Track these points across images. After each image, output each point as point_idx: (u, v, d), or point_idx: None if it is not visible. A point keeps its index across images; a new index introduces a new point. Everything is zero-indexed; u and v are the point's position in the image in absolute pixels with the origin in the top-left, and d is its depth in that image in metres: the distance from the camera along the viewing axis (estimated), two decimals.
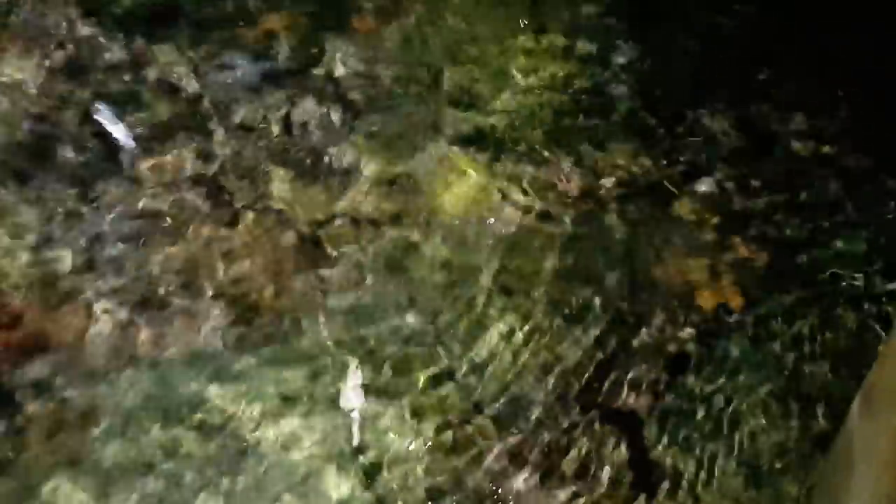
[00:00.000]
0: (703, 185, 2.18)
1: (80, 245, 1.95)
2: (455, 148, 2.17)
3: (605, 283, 1.97)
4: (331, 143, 2.15)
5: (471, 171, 2.13)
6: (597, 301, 1.92)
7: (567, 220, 2.07)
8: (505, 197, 2.11)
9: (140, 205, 2.02)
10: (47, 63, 2.14)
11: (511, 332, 1.85)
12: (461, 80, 2.29)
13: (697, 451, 1.70)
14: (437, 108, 2.23)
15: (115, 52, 2.17)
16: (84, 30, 2.17)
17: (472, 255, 1.99)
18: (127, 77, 2.16)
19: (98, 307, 1.89)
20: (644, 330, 1.87)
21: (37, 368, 1.78)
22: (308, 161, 2.13)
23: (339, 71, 2.28)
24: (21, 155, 2.01)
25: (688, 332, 1.88)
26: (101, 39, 2.18)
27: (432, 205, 2.08)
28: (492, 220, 2.04)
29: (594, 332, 1.86)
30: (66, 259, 1.94)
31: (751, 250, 2.04)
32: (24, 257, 1.89)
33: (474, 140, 2.19)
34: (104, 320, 1.88)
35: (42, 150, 2.03)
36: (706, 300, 1.95)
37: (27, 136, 2.05)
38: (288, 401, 1.73)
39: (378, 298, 1.92)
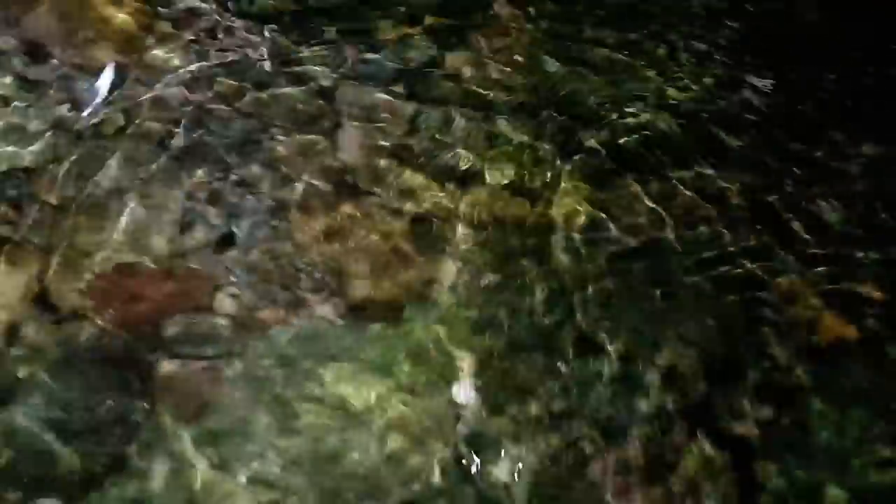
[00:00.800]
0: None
1: (218, 221, 2.11)
2: (577, 158, 2.23)
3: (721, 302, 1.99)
4: (457, 143, 2.24)
5: (586, 185, 2.19)
6: (712, 322, 1.95)
7: (677, 240, 2.10)
8: (615, 214, 2.16)
9: (274, 187, 2.17)
10: (195, 51, 2.30)
11: (622, 346, 1.90)
12: (582, 95, 2.34)
13: (806, 482, 1.70)
14: (560, 122, 2.28)
15: (265, 47, 2.32)
16: (242, 26, 2.32)
17: (586, 266, 2.05)
18: (269, 68, 2.30)
19: (228, 280, 2.05)
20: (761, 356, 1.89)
21: (170, 332, 1.94)
22: (432, 159, 2.23)
23: (468, 73, 2.37)
24: (177, 136, 2.17)
25: (804, 361, 1.89)
26: (254, 35, 2.32)
27: (552, 213, 2.14)
28: (608, 234, 2.10)
29: (709, 353, 1.89)
30: (202, 235, 2.10)
31: (870, 284, 2.02)
32: (168, 229, 2.06)
33: (593, 153, 2.24)
34: (233, 292, 2.03)
35: (193, 131, 2.19)
36: (825, 330, 1.95)
37: (178, 117, 2.21)
38: (399, 386, 1.83)
39: (493, 298, 2.00)
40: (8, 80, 2.13)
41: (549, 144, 2.27)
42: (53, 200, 2.06)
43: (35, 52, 2.22)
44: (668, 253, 2.09)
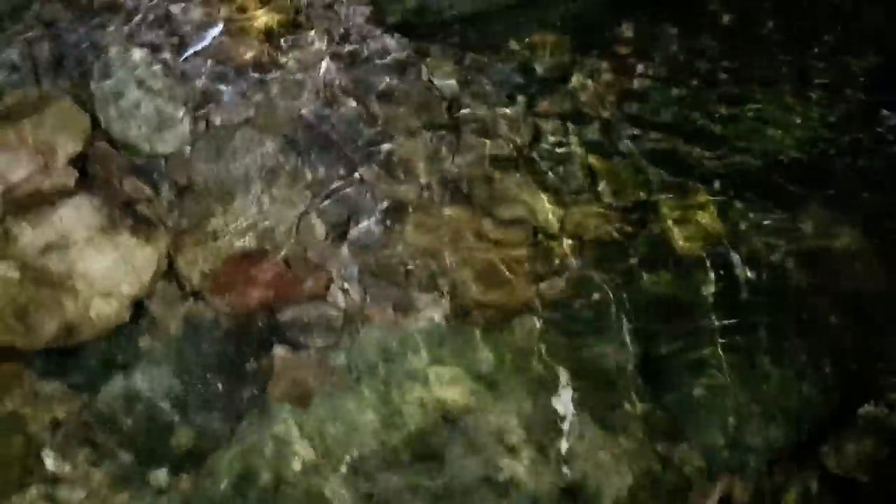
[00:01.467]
0: None
1: (336, 217, 2.18)
2: (696, 182, 2.20)
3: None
4: (573, 159, 2.24)
5: (708, 209, 2.15)
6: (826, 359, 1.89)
7: (795, 272, 2.05)
8: (732, 242, 2.12)
9: (392, 188, 2.22)
10: (331, 52, 2.39)
11: (728, 372, 1.86)
12: (704, 120, 2.31)
13: None
14: (679, 145, 2.26)
15: (397, 52, 2.38)
16: (377, 31, 2.40)
17: (697, 291, 2.01)
18: (397, 75, 2.36)
19: (341, 271, 2.11)
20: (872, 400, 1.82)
21: (284, 318, 2.02)
22: (547, 172, 2.24)
23: (589, 90, 2.37)
24: (308, 129, 2.26)
25: None
26: (387, 40, 2.40)
27: (664, 233, 2.12)
28: (723, 261, 2.06)
29: (821, 390, 1.83)
30: (321, 229, 2.17)
31: None
32: (290, 221, 2.14)
33: (713, 179, 2.21)
34: (345, 286, 2.09)
35: (320, 128, 2.28)
36: None
37: (304, 117, 2.30)
38: (500, 393, 1.84)
39: (597, 315, 2.00)
40: (156, 68, 2.26)
41: (666, 167, 2.24)
42: (188, 184, 2.18)
43: (184, 46, 2.35)
44: (783, 284, 2.02)
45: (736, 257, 2.06)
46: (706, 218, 2.14)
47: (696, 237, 2.12)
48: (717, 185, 2.19)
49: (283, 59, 2.38)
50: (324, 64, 2.38)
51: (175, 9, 2.38)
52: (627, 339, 1.97)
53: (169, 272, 2.07)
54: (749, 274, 2.03)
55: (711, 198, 2.19)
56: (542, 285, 2.06)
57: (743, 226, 2.11)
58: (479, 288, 2.06)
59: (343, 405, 1.90)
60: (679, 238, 2.13)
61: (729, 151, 2.24)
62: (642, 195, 2.20)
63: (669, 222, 2.15)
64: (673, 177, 2.21)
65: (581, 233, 2.17)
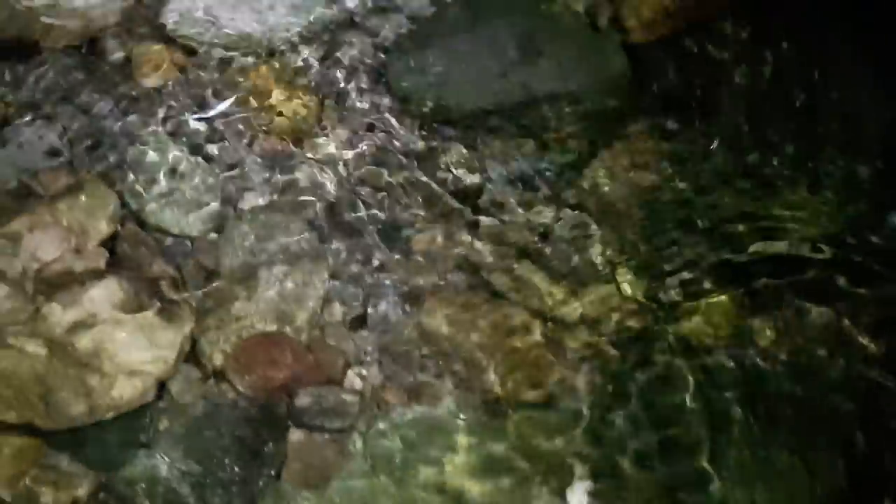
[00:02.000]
0: None
1: (355, 302, 2.24)
2: (710, 275, 2.25)
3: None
4: (591, 250, 2.30)
5: (723, 305, 2.20)
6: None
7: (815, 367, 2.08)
8: (748, 336, 2.16)
9: (410, 274, 2.28)
10: (355, 141, 2.49)
11: (750, 470, 1.88)
12: (717, 215, 2.38)
13: None
14: (694, 239, 2.32)
15: (415, 144, 2.49)
16: (397, 124, 2.51)
17: (713, 386, 2.05)
18: (417, 164, 2.46)
19: (359, 356, 2.15)
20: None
21: (302, 401, 2.05)
22: (565, 263, 2.30)
23: (605, 183, 2.45)
24: (330, 215, 2.34)
25: None
26: (406, 132, 2.50)
27: (681, 325, 2.16)
28: (738, 356, 2.10)
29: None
30: (340, 311, 2.23)
31: None
32: (310, 304, 2.19)
33: (727, 273, 2.26)
34: (363, 371, 2.13)
35: (342, 214, 2.36)
36: None
37: (330, 200, 2.39)
38: (516, 484, 1.86)
39: (615, 409, 2.02)
40: (188, 155, 2.37)
41: (682, 262, 2.30)
42: (212, 266, 2.25)
43: (212, 132, 2.46)
44: (805, 380, 2.05)
45: (750, 353, 2.10)
46: (722, 314, 2.19)
47: (712, 330, 2.16)
48: (732, 281, 2.24)
49: (308, 147, 2.48)
50: (346, 153, 2.47)
51: (208, 99, 2.51)
52: (644, 434, 1.99)
53: (191, 353, 2.12)
54: (764, 370, 2.07)
55: (727, 294, 2.24)
56: (559, 376, 2.09)
57: (757, 323, 2.15)
58: (497, 376, 2.10)
59: (358, 490, 1.92)
60: (696, 333, 2.17)
61: (744, 245, 2.29)
62: (659, 289, 2.25)
63: (686, 317, 2.19)
64: (689, 272, 2.26)
65: (598, 323, 2.21)
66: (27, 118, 2.43)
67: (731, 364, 2.09)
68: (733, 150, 2.46)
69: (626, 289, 2.27)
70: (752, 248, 2.30)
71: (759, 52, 2.63)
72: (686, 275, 2.28)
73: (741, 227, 2.34)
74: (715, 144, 2.48)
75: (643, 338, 2.19)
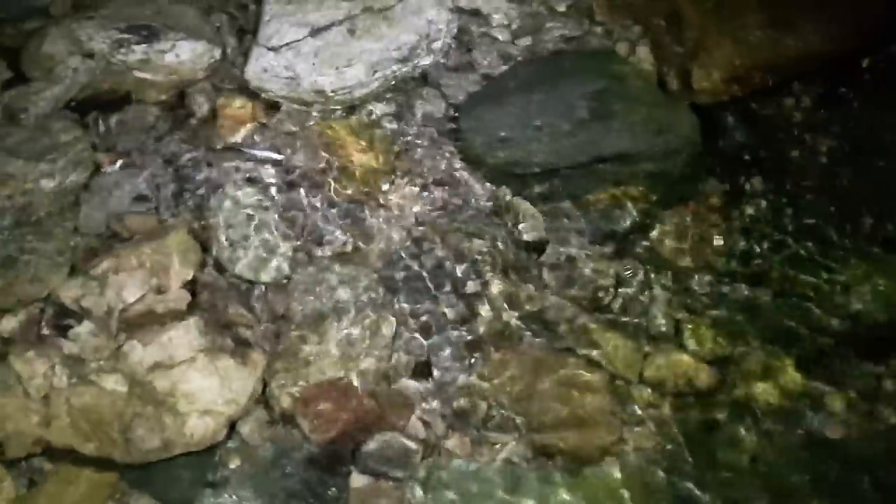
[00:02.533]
0: None
1: (421, 351, 2.28)
2: (776, 338, 2.23)
3: None
4: (655, 308, 2.31)
5: (791, 367, 2.17)
6: None
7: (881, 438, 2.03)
8: (815, 402, 2.12)
9: (475, 325, 2.32)
10: (425, 195, 2.56)
11: None
12: (788, 280, 2.36)
13: None
14: (762, 302, 2.31)
15: (484, 198, 2.55)
16: (466, 178, 2.58)
17: (776, 451, 2.02)
18: (485, 217, 2.51)
19: (422, 405, 2.19)
20: None
21: (367, 448, 2.09)
22: (629, 319, 2.30)
23: (671, 243, 2.46)
24: (398, 266, 2.41)
25: None
26: (475, 186, 2.56)
27: (747, 389, 2.14)
28: (804, 422, 2.06)
29: None
30: (405, 360, 2.27)
31: None
32: (377, 351, 2.24)
33: (795, 336, 2.24)
34: (426, 419, 2.16)
35: (410, 265, 2.42)
36: None
37: (399, 251, 2.45)
38: None
39: (677, 468, 2.01)
40: (265, 204, 2.46)
41: (750, 321, 2.28)
42: (283, 312, 2.32)
43: (289, 183, 2.56)
44: (877, 451, 2.00)
45: (818, 418, 2.06)
46: (789, 376, 2.16)
47: (777, 395, 2.13)
48: (801, 343, 2.21)
49: (379, 199, 2.56)
50: (416, 205, 2.54)
51: (286, 151, 2.61)
52: (704, 497, 1.96)
53: (261, 395, 2.19)
54: (833, 438, 2.03)
55: (795, 356, 2.21)
56: (622, 432, 2.09)
57: (826, 387, 2.12)
58: (558, 430, 2.11)
59: None
60: (760, 395, 2.14)
61: (813, 309, 2.26)
62: (726, 348, 2.24)
63: (752, 378, 2.17)
64: (757, 332, 2.25)
65: (662, 382, 2.21)
66: (117, 166, 2.58)
67: (799, 430, 2.06)
68: (803, 212, 2.45)
69: (693, 348, 2.27)
70: (823, 312, 2.28)
71: (829, 114, 2.62)
72: (754, 336, 2.27)
73: (812, 291, 2.32)
74: (784, 207, 2.47)
75: (708, 399, 2.18)
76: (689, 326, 2.30)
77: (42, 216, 2.42)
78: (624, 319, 2.33)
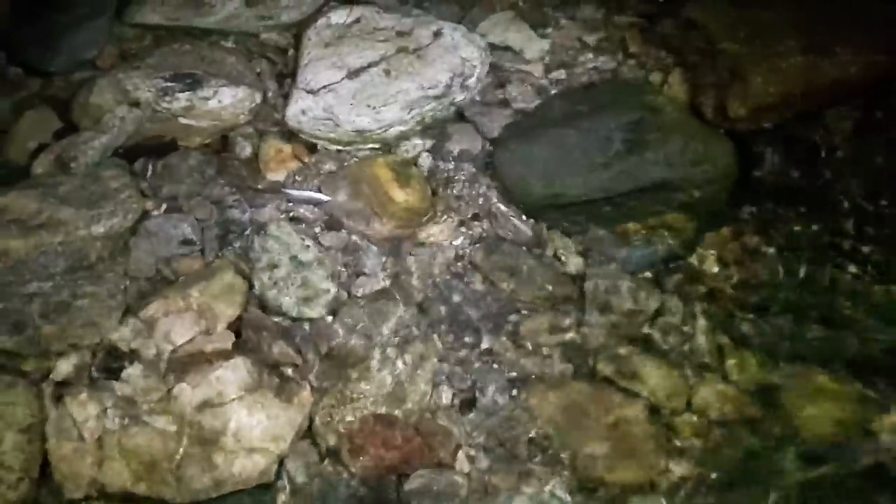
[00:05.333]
0: None
1: (463, 385, 2.29)
2: (823, 367, 2.20)
3: None
4: (697, 337, 2.30)
5: (835, 395, 2.14)
6: None
7: None
8: (863, 432, 2.09)
9: (517, 359, 2.33)
10: (464, 230, 2.59)
11: None
12: (833, 305, 2.33)
13: None
14: (807, 328, 2.29)
15: (522, 231, 2.57)
16: (504, 212, 2.60)
17: (822, 481, 1.99)
18: (525, 251, 2.53)
19: (467, 439, 2.20)
20: None
21: (413, 484, 2.10)
22: (672, 350, 2.30)
23: (713, 270, 2.45)
24: (439, 301, 2.43)
25: None
26: (513, 220, 2.58)
27: (793, 417, 2.12)
28: (851, 452, 2.03)
29: None
30: (449, 394, 2.28)
31: None
32: (421, 387, 2.26)
33: (842, 364, 2.21)
34: (471, 454, 2.17)
35: (451, 299, 2.44)
36: None
37: (439, 286, 2.48)
38: None
39: (721, 500, 1.99)
40: (308, 243, 2.51)
41: (792, 348, 2.26)
42: (327, 349, 2.36)
43: (331, 222, 2.62)
44: None
45: (867, 447, 2.03)
46: (833, 404, 2.13)
47: (823, 424, 2.11)
48: (844, 370, 2.18)
49: (419, 235, 2.60)
50: (455, 240, 2.57)
51: (326, 190, 2.67)
52: None
53: (308, 432, 2.22)
54: (886, 465, 1.99)
55: (841, 384, 2.19)
56: (667, 463, 2.08)
57: (872, 416, 2.09)
58: (603, 463, 2.10)
59: None
60: (806, 423, 2.12)
61: (856, 336, 2.24)
62: (768, 376, 2.22)
63: (796, 407, 2.15)
64: (799, 359, 2.23)
65: (706, 411, 2.19)
66: (164, 209, 2.65)
67: (848, 460, 2.03)
68: (844, 239, 2.43)
69: (736, 377, 2.25)
70: (867, 339, 2.25)
71: (866, 140, 2.60)
72: (798, 364, 2.24)
73: (856, 316, 2.29)
74: (824, 234, 2.45)
75: (753, 428, 2.16)
76: (733, 355, 2.29)
77: (94, 261, 2.49)
78: (666, 349, 2.32)
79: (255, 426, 2.14)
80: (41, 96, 3.03)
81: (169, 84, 2.86)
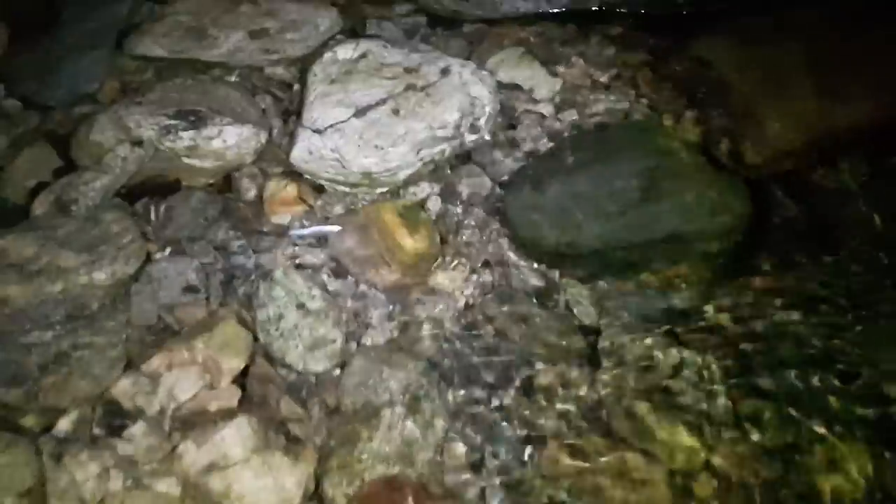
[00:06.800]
0: None
1: (475, 443, 2.24)
2: (850, 428, 2.15)
3: None
4: (717, 395, 2.24)
5: (856, 458, 2.09)
6: None
7: None
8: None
9: (530, 416, 2.27)
10: (474, 277, 2.54)
11: None
12: (861, 363, 2.28)
13: None
14: (832, 387, 2.23)
15: (533, 280, 2.51)
16: (514, 259, 2.55)
17: None
18: (536, 302, 2.48)
19: (478, 502, 2.14)
20: None
21: None
22: (689, 408, 2.24)
23: (729, 325, 2.40)
24: (449, 353, 2.38)
25: None
26: (524, 268, 2.53)
27: (816, 480, 2.07)
28: None
29: None
30: (460, 455, 2.23)
31: None
32: (431, 446, 2.20)
33: (870, 426, 2.16)
34: None
35: (461, 352, 2.39)
36: None
37: (449, 337, 2.42)
38: None
39: None
40: (315, 291, 2.45)
41: (813, 409, 2.21)
42: (334, 404, 2.30)
43: (338, 268, 2.56)
44: None
45: None
46: (861, 468, 2.08)
47: (850, 488, 2.05)
48: (866, 433, 2.13)
49: (428, 283, 2.54)
50: (466, 290, 2.52)
51: (332, 235, 2.61)
52: None
53: (315, 493, 2.15)
54: None
55: (866, 445, 2.13)
56: None
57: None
58: None
59: None
60: (827, 488, 2.06)
61: (879, 396, 2.19)
62: (788, 437, 2.16)
63: (816, 470, 2.09)
64: (821, 420, 2.17)
65: (723, 473, 2.14)
66: (167, 253, 2.59)
67: None
68: (868, 290, 2.38)
69: (755, 436, 2.20)
70: (891, 395, 2.20)
71: (885, 189, 2.56)
72: (820, 423, 2.19)
73: (880, 373, 2.24)
74: (846, 284, 2.40)
75: (773, 491, 2.10)
76: (751, 413, 2.24)
77: (94, 310, 2.43)
78: (683, 406, 2.26)
79: (260, 489, 2.07)
80: (40, 131, 2.97)
81: (172, 122, 2.79)
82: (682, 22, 3.11)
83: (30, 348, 2.33)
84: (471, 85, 2.84)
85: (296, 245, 2.60)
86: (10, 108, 3.06)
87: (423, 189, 2.72)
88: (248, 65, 3.12)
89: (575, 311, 2.44)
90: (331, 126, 2.76)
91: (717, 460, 2.16)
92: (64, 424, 2.18)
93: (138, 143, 2.77)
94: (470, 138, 2.79)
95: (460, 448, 2.23)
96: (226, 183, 2.80)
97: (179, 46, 3.15)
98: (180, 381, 2.24)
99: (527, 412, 2.28)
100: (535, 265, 2.54)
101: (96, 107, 2.99)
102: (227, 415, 2.18)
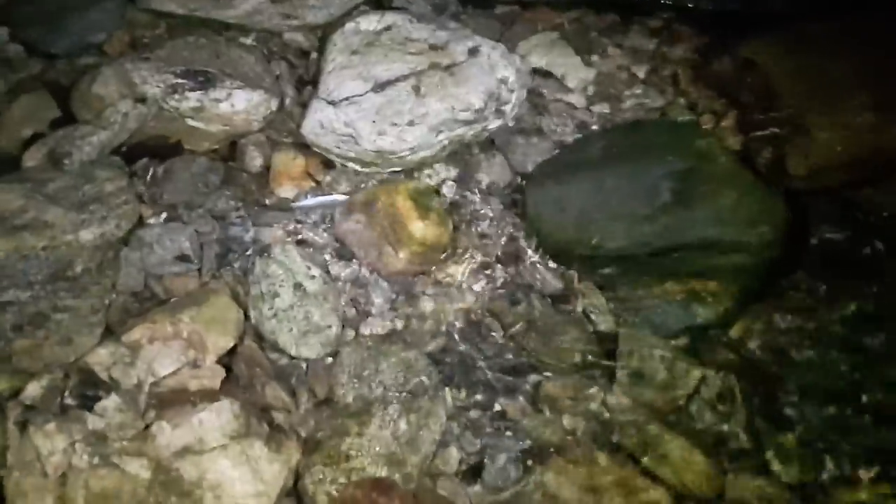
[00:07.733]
0: None
1: (472, 450, 2.07)
2: (878, 460, 1.98)
3: None
4: (736, 418, 2.07)
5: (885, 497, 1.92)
6: None
7: None
8: None
9: (534, 426, 2.10)
10: (486, 272, 2.37)
11: None
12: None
13: None
14: (861, 417, 2.06)
15: (550, 281, 2.34)
16: (531, 257, 2.37)
17: None
18: (550, 304, 2.30)
19: None
20: None
21: None
22: (706, 430, 2.07)
23: (754, 343, 2.22)
24: (453, 351, 2.21)
25: None
26: (541, 267, 2.36)
27: None
28: None
29: None
30: (455, 459, 2.06)
31: None
32: (424, 448, 2.04)
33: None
34: None
35: (466, 350, 2.22)
36: None
37: (454, 334, 2.26)
38: None
39: None
40: (314, 271, 2.28)
41: (839, 442, 2.03)
42: (325, 395, 2.14)
43: (341, 249, 2.39)
44: None
45: None
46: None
47: None
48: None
49: (436, 273, 2.37)
50: (476, 284, 2.35)
51: (339, 214, 2.44)
52: None
53: (294, 489, 1.99)
54: None
55: (889, 485, 1.96)
56: None
57: None
58: None
59: None
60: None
61: None
62: (814, 472, 1.98)
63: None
64: (847, 455, 1.99)
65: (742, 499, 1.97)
66: (161, 219, 2.43)
67: None
68: None
69: (775, 468, 2.02)
70: None
71: None
72: (847, 461, 2.01)
73: None
74: (885, 313, 2.21)
75: None
76: (773, 443, 2.06)
77: (78, 272, 2.27)
78: (698, 429, 2.09)
79: (237, 479, 1.91)
80: (41, 79, 2.82)
81: (179, 80, 2.63)
82: (731, 20, 2.92)
83: (5, 306, 2.18)
84: (500, 68, 2.66)
85: (298, 221, 2.44)
86: (11, 53, 2.90)
87: (440, 173, 2.55)
88: (265, 28, 2.96)
89: (592, 316, 2.27)
90: (346, 99, 2.58)
91: (732, 492, 1.98)
92: (33, 389, 2.02)
93: (142, 99, 2.61)
94: (494, 124, 2.61)
95: (455, 454, 2.06)
96: (230, 150, 2.63)
97: (195, 4, 2.99)
98: (161, 355, 2.07)
99: (530, 422, 2.11)
100: (553, 265, 2.37)
101: (102, 59, 2.83)
102: (208, 396, 2.01)
